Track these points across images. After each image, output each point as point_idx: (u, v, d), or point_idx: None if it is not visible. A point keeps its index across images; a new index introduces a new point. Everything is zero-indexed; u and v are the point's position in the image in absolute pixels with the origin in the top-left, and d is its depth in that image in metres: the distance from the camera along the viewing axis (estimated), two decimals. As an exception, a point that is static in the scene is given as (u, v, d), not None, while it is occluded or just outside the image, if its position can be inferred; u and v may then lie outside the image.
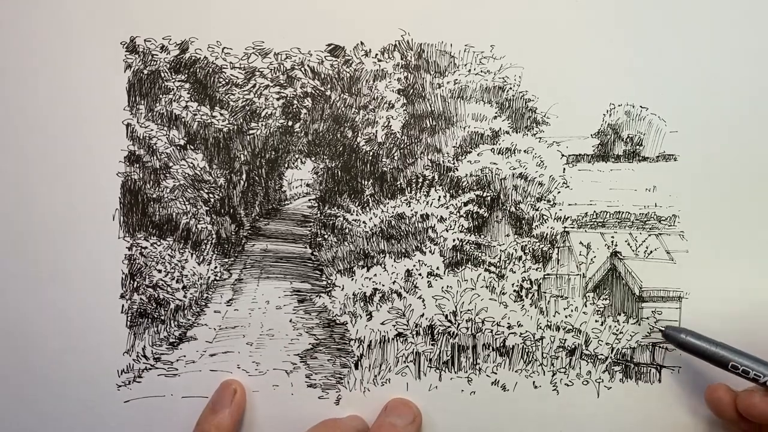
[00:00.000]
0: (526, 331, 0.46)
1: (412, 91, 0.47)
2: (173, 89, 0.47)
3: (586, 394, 0.46)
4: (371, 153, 0.47)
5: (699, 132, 0.46)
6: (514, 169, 0.47)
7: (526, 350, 0.46)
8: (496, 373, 0.46)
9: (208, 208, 0.48)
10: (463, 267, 0.47)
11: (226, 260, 0.48)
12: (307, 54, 0.47)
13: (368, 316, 0.47)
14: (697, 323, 0.45)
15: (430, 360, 0.47)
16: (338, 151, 0.47)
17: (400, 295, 0.47)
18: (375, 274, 0.47)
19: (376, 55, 0.47)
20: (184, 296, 0.47)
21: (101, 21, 0.47)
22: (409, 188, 0.47)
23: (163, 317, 0.47)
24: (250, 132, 0.48)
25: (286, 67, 0.47)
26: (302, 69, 0.47)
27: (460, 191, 0.47)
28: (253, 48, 0.47)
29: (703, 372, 0.46)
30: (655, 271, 0.46)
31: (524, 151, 0.47)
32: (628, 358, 0.46)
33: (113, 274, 0.47)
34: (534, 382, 0.46)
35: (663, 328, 0.44)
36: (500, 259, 0.47)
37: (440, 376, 0.47)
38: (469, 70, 0.47)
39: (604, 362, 0.46)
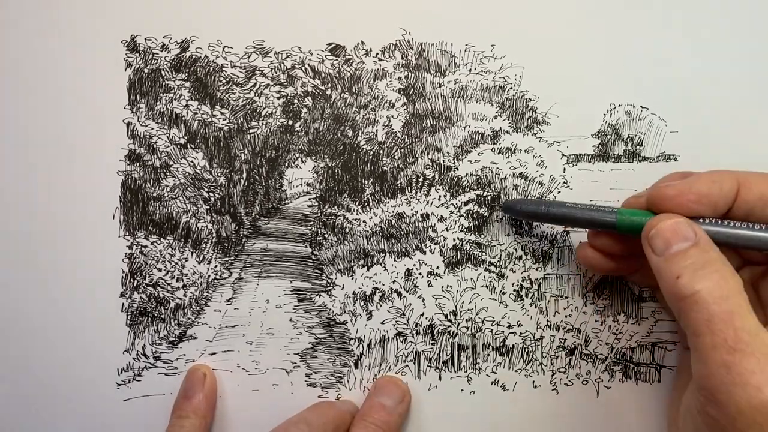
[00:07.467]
0: (526, 331, 0.46)
1: (412, 90, 0.47)
2: (174, 88, 0.47)
3: (586, 393, 0.46)
4: (372, 152, 0.47)
5: (699, 132, 0.46)
6: (515, 168, 0.47)
7: (526, 350, 0.46)
8: (495, 373, 0.46)
9: (208, 207, 0.48)
10: (463, 266, 0.47)
11: (227, 259, 0.48)
12: (307, 53, 0.47)
13: (368, 316, 0.47)
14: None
15: (430, 359, 0.47)
16: (339, 150, 0.47)
17: (400, 294, 0.47)
18: (375, 274, 0.47)
19: (377, 54, 0.47)
20: (184, 295, 0.47)
21: (102, 20, 0.47)
22: (409, 187, 0.47)
23: (163, 316, 0.47)
24: (251, 131, 0.48)
25: (287, 66, 0.47)
26: (303, 68, 0.47)
27: (460, 191, 0.47)
28: (254, 47, 0.47)
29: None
30: (655, 271, 0.46)
31: (525, 150, 0.47)
32: (628, 358, 0.46)
33: (113, 272, 0.47)
34: (534, 381, 0.46)
35: (501, 206, 0.46)
36: (500, 258, 0.47)
37: (440, 375, 0.47)
38: (470, 70, 0.47)
39: (603, 362, 0.46)
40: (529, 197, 0.46)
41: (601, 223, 0.40)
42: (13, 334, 0.47)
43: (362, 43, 0.47)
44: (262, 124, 0.47)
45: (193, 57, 0.47)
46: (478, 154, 0.47)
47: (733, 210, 0.37)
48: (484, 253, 0.47)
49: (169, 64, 0.47)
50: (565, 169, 0.47)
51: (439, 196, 0.47)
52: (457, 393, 0.47)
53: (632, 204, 0.40)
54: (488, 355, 0.46)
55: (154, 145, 0.47)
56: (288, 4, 0.47)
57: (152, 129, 0.47)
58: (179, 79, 0.47)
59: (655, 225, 0.36)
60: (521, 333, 0.46)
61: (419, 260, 0.47)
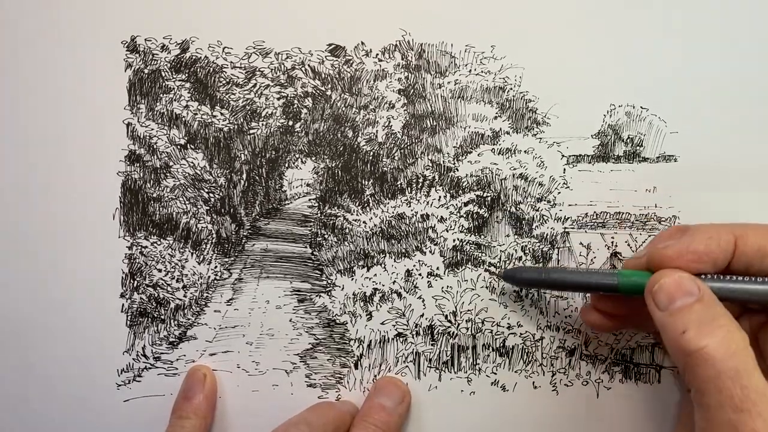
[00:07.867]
0: (526, 332, 0.46)
1: (412, 91, 0.47)
2: (174, 89, 0.47)
3: (586, 394, 0.46)
4: (372, 153, 0.47)
5: (699, 133, 0.46)
6: (515, 169, 0.47)
7: (526, 350, 0.46)
8: (495, 374, 0.46)
9: (208, 208, 0.48)
10: (463, 267, 0.47)
11: (227, 260, 0.48)
12: (307, 54, 0.47)
13: (368, 316, 0.47)
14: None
15: (430, 360, 0.47)
16: (339, 150, 0.47)
17: (400, 295, 0.47)
18: (375, 274, 0.47)
19: (377, 55, 0.47)
20: (184, 296, 0.47)
21: (102, 20, 0.47)
22: (409, 188, 0.47)
23: (163, 316, 0.47)
24: (251, 131, 0.48)
25: (287, 66, 0.47)
26: (303, 69, 0.47)
27: (460, 191, 0.47)
28: (254, 47, 0.47)
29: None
30: (655, 272, 0.46)
31: (524, 151, 0.47)
32: (628, 359, 0.46)
33: (113, 273, 0.47)
34: (534, 382, 0.46)
35: (501, 275, 0.44)
36: (500, 259, 0.47)
37: (440, 376, 0.47)
38: (470, 71, 0.47)
39: (603, 362, 0.46)
40: (528, 265, 0.46)
41: (602, 286, 0.39)
42: (13, 334, 0.47)
43: (362, 43, 0.47)
44: (262, 124, 0.47)
45: (193, 57, 0.47)
46: (478, 155, 0.47)
47: (733, 263, 0.37)
48: (484, 254, 0.47)
49: (169, 65, 0.47)
50: (565, 169, 0.47)
51: (439, 197, 0.47)
52: (457, 394, 0.47)
53: (632, 265, 0.40)
54: (488, 355, 0.46)
55: (154, 146, 0.47)
56: (288, 5, 0.47)
57: (152, 129, 0.47)
58: (179, 80, 0.47)
59: (659, 280, 0.36)
60: (521, 334, 0.46)
61: (419, 261, 0.47)
